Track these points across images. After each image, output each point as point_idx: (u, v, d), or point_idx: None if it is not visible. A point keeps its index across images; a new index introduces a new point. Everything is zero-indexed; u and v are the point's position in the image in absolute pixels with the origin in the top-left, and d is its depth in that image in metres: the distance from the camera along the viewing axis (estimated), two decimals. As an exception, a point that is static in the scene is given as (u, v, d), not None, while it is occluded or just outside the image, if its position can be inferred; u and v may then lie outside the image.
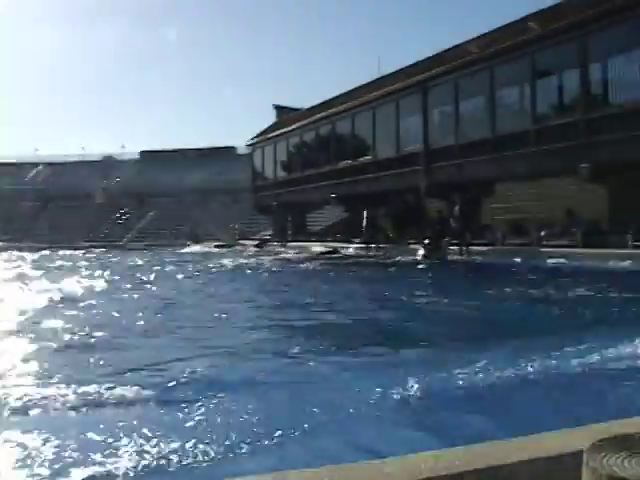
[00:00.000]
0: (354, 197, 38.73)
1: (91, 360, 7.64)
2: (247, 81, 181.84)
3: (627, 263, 19.78)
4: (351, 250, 34.38)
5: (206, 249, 46.34)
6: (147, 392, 5.99)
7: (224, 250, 43.37)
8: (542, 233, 26.71)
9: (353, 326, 10.81)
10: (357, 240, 36.04)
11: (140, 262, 32.21)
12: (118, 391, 6.00)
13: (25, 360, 7.56)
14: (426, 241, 27.61)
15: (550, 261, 22.49)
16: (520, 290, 14.66)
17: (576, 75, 25.39)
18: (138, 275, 22.85)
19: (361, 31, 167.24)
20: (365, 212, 35.76)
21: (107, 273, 23.53)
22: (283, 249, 40.85)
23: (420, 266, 24.18)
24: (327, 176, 41.00)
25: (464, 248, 26.52)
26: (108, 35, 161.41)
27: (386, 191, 36.52)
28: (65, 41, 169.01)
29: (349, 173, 38.92)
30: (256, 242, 47.90)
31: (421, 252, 27.18)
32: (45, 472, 4.06)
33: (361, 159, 38.17)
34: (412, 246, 29.80)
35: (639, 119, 22.56)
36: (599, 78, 25.08)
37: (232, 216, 63.49)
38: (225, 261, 30.05)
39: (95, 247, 54.60)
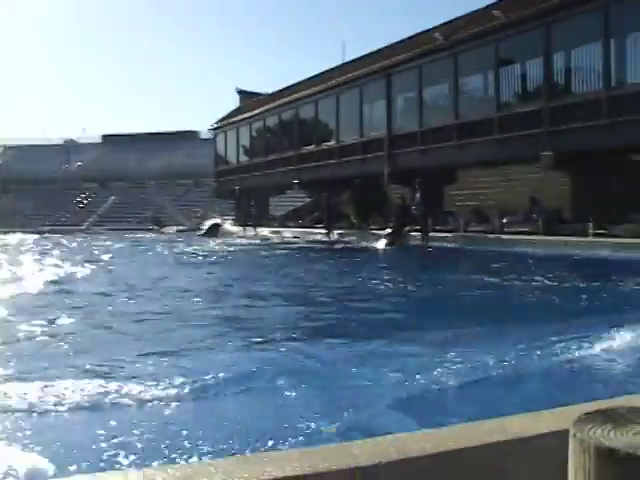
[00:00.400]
0: (317, 182, 38.69)
1: None
2: (211, 65, 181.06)
3: (586, 251, 20.00)
4: (312, 236, 34.37)
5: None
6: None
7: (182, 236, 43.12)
8: (504, 220, 26.88)
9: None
10: (319, 226, 36.08)
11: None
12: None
13: None
14: (388, 230, 27.65)
15: (508, 248, 22.69)
16: (471, 276, 14.76)
17: (540, 64, 25.50)
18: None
19: (326, 17, 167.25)
20: (325, 198, 35.73)
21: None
22: (243, 234, 40.86)
23: (379, 252, 24.27)
24: (290, 161, 40.92)
25: (425, 235, 26.59)
26: (66, 17, 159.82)
27: (349, 177, 36.57)
28: (24, 23, 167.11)
29: (312, 158, 38.85)
30: (206, 227, 47.40)
31: (383, 238, 27.25)
32: None
33: (324, 144, 38.12)
34: (375, 232, 29.92)
35: (601, 108, 22.74)
36: (562, 67, 25.20)
37: (195, 201, 63.26)
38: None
39: (56, 232, 54.13)
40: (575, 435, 0.99)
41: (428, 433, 2.12)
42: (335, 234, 33.28)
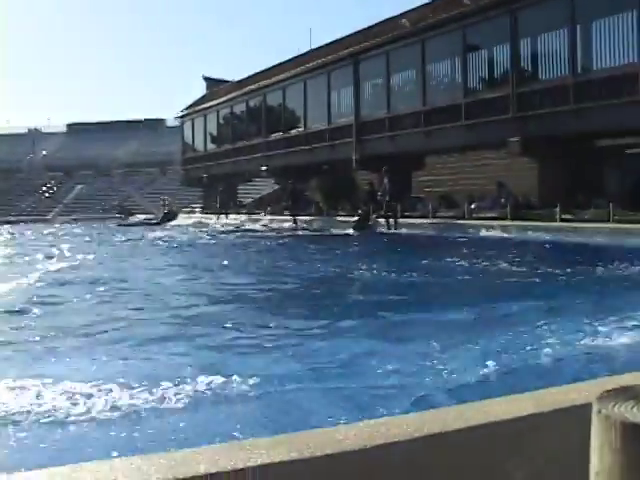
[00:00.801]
0: (286, 169, 38.65)
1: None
2: (177, 53, 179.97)
3: (552, 236, 20.16)
4: (279, 224, 34.24)
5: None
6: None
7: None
8: (472, 206, 26.99)
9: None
10: (287, 213, 36.04)
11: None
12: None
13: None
14: (355, 218, 27.60)
15: (475, 233, 22.86)
16: (436, 261, 14.84)
17: (507, 50, 25.60)
18: None
19: (292, 3, 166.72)
20: (289, 185, 35.64)
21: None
22: (210, 221, 40.73)
23: (346, 239, 24.22)
24: (258, 148, 40.87)
25: (392, 221, 26.59)
26: (29, 4, 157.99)
27: (318, 163, 36.57)
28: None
29: (281, 145, 38.82)
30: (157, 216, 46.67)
31: (351, 225, 27.22)
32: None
33: (293, 131, 38.10)
34: (343, 218, 29.94)
35: (568, 94, 22.89)
36: (529, 53, 25.31)
37: (162, 189, 62.96)
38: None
39: (22, 221, 53.64)
40: (600, 411, 1.00)
41: (411, 417, 2.12)
42: (301, 221, 33.19)
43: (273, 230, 31.19)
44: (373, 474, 1.84)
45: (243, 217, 39.54)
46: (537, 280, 11.52)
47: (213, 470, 1.63)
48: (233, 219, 39.81)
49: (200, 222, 41.49)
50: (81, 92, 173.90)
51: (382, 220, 27.22)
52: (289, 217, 34.67)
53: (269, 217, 37.02)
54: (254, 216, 38.78)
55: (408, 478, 1.89)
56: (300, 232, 29.44)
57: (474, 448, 2.01)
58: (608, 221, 20.65)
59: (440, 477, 1.94)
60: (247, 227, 34.27)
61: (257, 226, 34.25)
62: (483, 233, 22.81)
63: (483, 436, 2.04)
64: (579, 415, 2.25)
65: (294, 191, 35.33)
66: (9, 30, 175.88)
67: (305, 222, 32.86)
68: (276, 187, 45.29)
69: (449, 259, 14.99)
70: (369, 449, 1.83)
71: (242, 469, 1.65)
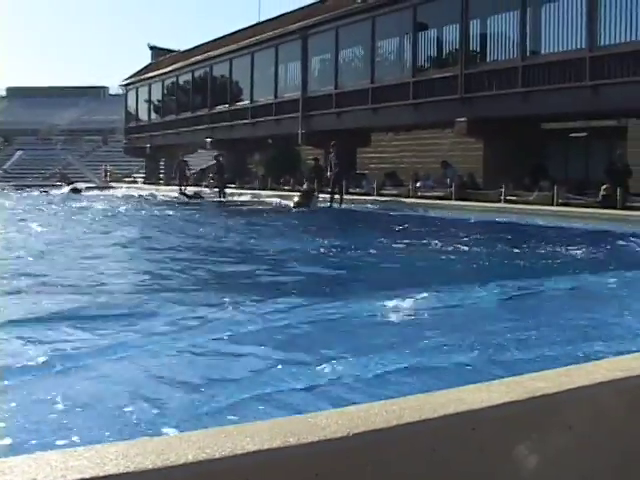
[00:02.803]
0: (231, 142, 38.50)
1: None
2: (121, 20, 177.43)
3: (497, 216, 20.38)
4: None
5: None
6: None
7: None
8: (417, 184, 27.14)
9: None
10: (232, 185, 35.73)
11: None
12: None
13: None
14: (299, 191, 27.40)
15: (418, 212, 23.03)
16: (372, 237, 14.91)
17: (456, 30, 25.70)
18: None
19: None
20: (217, 158, 35.05)
21: None
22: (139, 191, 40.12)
23: (287, 214, 23.96)
24: (203, 120, 40.60)
25: (336, 197, 26.44)
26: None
27: (263, 137, 36.51)
28: None
29: (226, 118, 38.62)
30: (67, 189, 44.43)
31: (293, 200, 26.83)
32: None
33: (238, 104, 37.89)
34: (285, 193, 29.82)
35: (516, 77, 23.10)
36: (478, 34, 25.44)
37: (103, 157, 62.22)
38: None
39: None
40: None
41: (391, 402, 2.12)
42: (227, 194, 32.77)
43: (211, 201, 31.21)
44: (358, 461, 1.85)
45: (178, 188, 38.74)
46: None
47: (202, 457, 1.62)
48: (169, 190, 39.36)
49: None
50: (22, 57, 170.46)
51: (325, 195, 26.96)
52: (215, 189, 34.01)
53: (207, 189, 36.37)
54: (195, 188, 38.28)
55: (392, 465, 1.89)
56: (245, 207, 29.12)
57: (455, 435, 2.03)
58: (552, 204, 20.94)
59: (425, 465, 1.96)
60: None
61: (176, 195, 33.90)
62: (427, 212, 22.91)
63: (458, 423, 2.06)
64: (590, 395, 2.32)
65: (220, 164, 34.80)
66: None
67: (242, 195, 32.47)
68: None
69: (392, 236, 15.07)
70: (353, 436, 1.83)
71: (230, 456, 1.64)
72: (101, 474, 1.52)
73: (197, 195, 33.12)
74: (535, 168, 24.29)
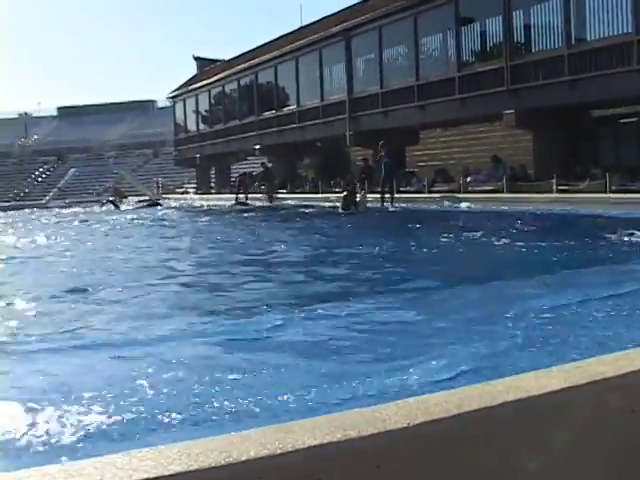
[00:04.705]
0: (280, 147, 38.62)
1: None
2: (166, 33, 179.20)
3: (550, 207, 20.12)
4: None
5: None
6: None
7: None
8: (468, 179, 26.97)
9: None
10: (283, 190, 35.93)
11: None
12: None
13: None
14: (344, 193, 27.10)
15: (467, 206, 22.89)
16: (432, 236, 14.83)
17: (500, 22, 25.51)
18: None
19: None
20: (263, 165, 36.04)
21: None
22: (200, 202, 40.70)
23: (337, 217, 23.93)
24: (251, 127, 40.80)
25: (388, 196, 26.25)
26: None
27: (311, 140, 36.57)
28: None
29: (273, 124, 38.75)
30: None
31: (340, 202, 26.55)
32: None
33: (285, 109, 38.01)
34: (336, 195, 29.75)
35: (562, 65, 22.85)
36: (522, 25, 25.20)
37: (154, 170, 62.86)
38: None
39: (15, 208, 53.21)
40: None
41: (450, 393, 2.12)
42: (274, 199, 33.43)
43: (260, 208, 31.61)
44: (419, 452, 1.85)
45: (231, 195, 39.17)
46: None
47: (264, 454, 1.64)
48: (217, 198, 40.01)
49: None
50: (70, 76, 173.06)
51: (376, 195, 26.67)
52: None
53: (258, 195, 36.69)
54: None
55: (453, 455, 1.89)
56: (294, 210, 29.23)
57: (517, 421, 2.03)
58: (605, 192, 20.66)
59: (485, 453, 1.95)
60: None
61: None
62: (481, 206, 22.64)
63: (518, 410, 2.05)
64: (610, 387, 2.27)
65: (267, 171, 35.20)
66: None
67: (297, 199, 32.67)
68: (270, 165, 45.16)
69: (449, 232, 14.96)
70: (411, 427, 1.84)
71: (292, 452, 1.66)
72: (166, 473, 1.55)
73: (246, 203, 34.16)
74: (585, 156, 23.98)
